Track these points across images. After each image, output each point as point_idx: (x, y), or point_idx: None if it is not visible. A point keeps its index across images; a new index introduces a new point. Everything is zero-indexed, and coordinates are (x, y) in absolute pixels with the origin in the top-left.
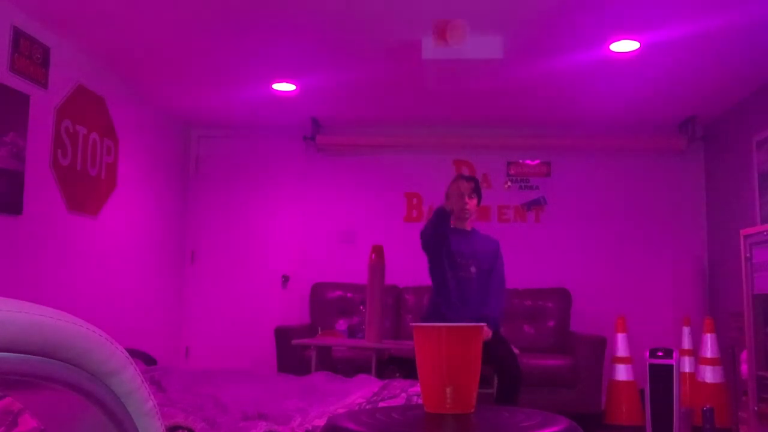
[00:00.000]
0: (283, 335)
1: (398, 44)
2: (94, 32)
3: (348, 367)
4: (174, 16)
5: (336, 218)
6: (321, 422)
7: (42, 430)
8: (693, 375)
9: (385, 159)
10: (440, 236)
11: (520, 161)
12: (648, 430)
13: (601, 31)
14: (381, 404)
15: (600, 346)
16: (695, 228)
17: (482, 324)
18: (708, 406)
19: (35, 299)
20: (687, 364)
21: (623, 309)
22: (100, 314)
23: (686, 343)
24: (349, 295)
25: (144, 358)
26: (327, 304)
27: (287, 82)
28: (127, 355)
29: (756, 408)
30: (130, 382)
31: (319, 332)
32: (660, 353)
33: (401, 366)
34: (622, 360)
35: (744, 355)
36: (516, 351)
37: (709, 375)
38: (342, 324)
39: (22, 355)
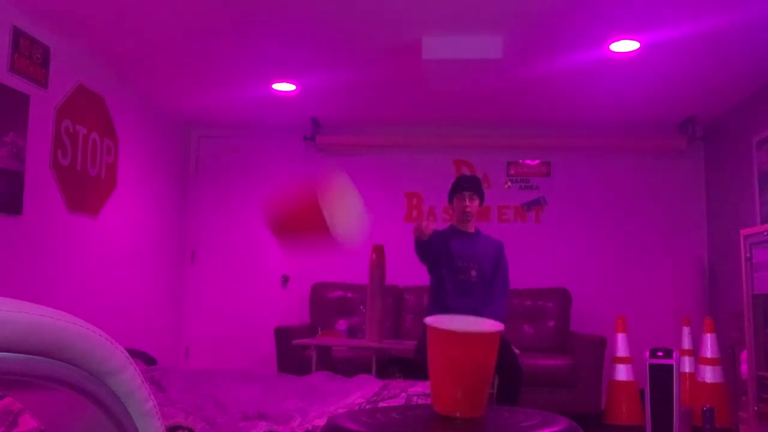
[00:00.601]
0: (283, 335)
1: (398, 44)
2: (94, 32)
3: (348, 367)
4: (174, 16)
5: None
6: (321, 422)
7: (42, 430)
8: (693, 375)
9: (385, 159)
10: (431, 254)
11: (520, 161)
12: (648, 430)
13: (601, 31)
14: (381, 404)
15: (600, 346)
16: (695, 228)
17: (501, 327)
18: (708, 406)
19: (35, 299)
20: (687, 364)
21: (623, 309)
22: (100, 314)
23: (686, 343)
24: (349, 295)
25: (144, 358)
26: (327, 304)
27: (287, 82)
28: (127, 355)
29: (756, 408)
30: (130, 382)
31: (319, 332)
32: (660, 353)
33: (401, 366)
34: (622, 360)
35: (744, 355)
36: (516, 351)
37: (709, 375)
38: (342, 324)
39: (22, 355)
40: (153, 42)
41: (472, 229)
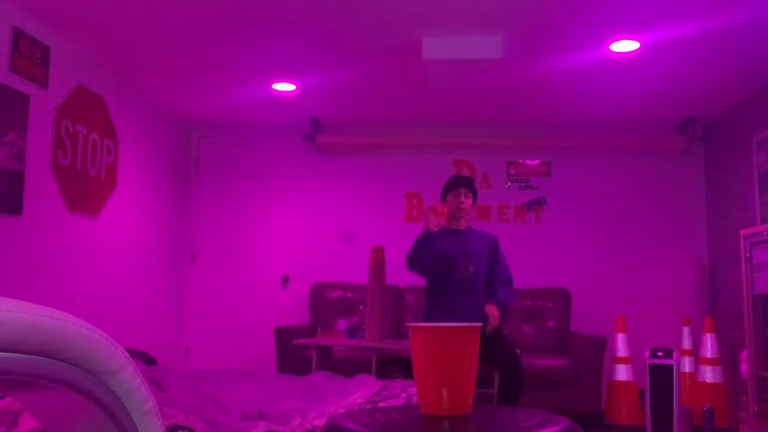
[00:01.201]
0: (283, 335)
1: (398, 44)
2: (94, 32)
3: (348, 367)
4: (174, 16)
5: (336, 218)
6: (321, 422)
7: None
8: (693, 375)
9: (385, 159)
10: (424, 256)
11: (520, 161)
12: (648, 430)
13: (601, 31)
14: (381, 404)
15: (600, 346)
16: (695, 228)
17: (479, 324)
18: (708, 406)
19: (35, 299)
20: (687, 364)
21: (623, 309)
22: (100, 314)
23: (686, 343)
24: (349, 295)
25: (144, 358)
26: (327, 304)
27: (287, 82)
28: (127, 355)
29: (756, 408)
30: (130, 381)
31: (319, 332)
32: (660, 353)
33: (401, 366)
34: (622, 360)
35: (744, 355)
36: (517, 351)
37: (709, 375)
38: (342, 324)
39: (22, 355)
40: (153, 42)
41: (462, 226)
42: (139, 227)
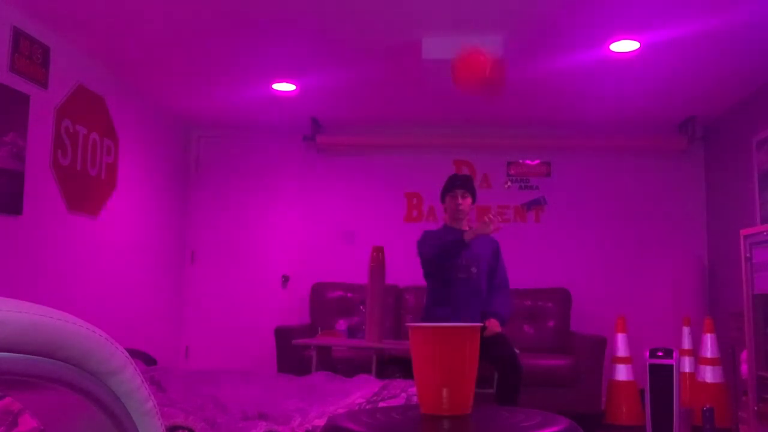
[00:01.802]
0: (283, 335)
1: (398, 44)
2: (94, 32)
3: (348, 367)
4: (174, 16)
5: (336, 218)
6: (321, 422)
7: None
8: (693, 375)
9: (385, 159)
10: (448, 259)
11: (520, 161)
12: (648, 430)
13: (601, 31)
14: (381, 404)
15: (600, 346)
16: (695, 228)
17: (479, 324)
18: (708, 406)
19: (35, 299)
20: (687, 364)
21: (623, 309)
22: (100, 314)
23: (686, 343)
24: (349, 295)
25: (144, 358)
26: (327, 304)
27: (287, 82)
28: (127, 355)
29: (756, 408)
30: (130, 382)
31: (319, 332)
32: (660, 353)
33: (401, 366)
34: (622, 360)
35: (744, 355)
36: (516, 351)
37: (709, 375)
38: (342, 324)
39: (22, 355)
40: (153, 42)
41: (465, 227)
42: (139, 227)
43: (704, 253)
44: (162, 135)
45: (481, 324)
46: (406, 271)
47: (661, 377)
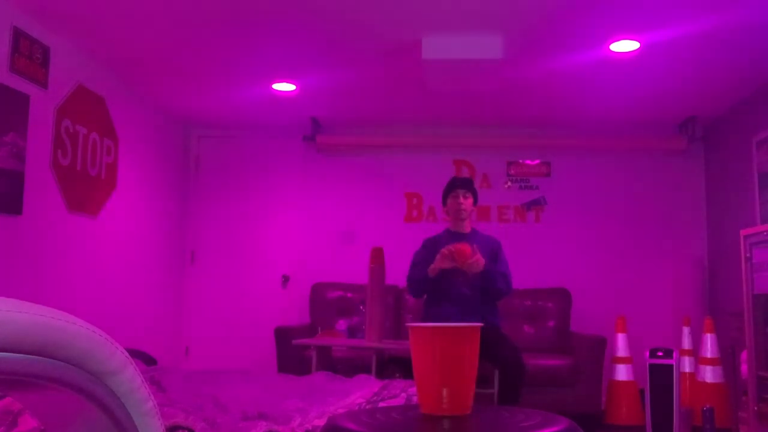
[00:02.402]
0: (283, 335)
1: (398, 44)
2: (94, 32)
3: (348, 367)
4: (174, 16)
5: (336, 218)
6: (321, 422)
7: (42, 430)
8: (693, 375)
9: (385, 159)
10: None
11: (520, 161)
12: (648, 430)
13: (601, 31)
14: (381, 404)
15: (600, 346)
16: (695, 228)
17: (479, 324)
18: (708, 406)
19: (35, 299)
20: (687, 364)
21: (623, 309)
22: (100, 314)
23: (686, 343)
24: (349, 295)
25: (144, 358)
26: (327, 304)
27: (287, 82)
28: (127, 355)
29: (756, 408)
30: (130, 382)
31: (319, 332)
32: (660, 353)
33: (401, 366)
34: (622, 360)
35: (744, 355)
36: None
37: (709, 375)
38: (342, 324)
39: (22, 355)
40: (153, 42)
41: (467, 229)
42: (139, 227)
43: (704, 253)
44: (162, 135)
45: (481, 324)
46: (406, 271)
47: (661, 377)
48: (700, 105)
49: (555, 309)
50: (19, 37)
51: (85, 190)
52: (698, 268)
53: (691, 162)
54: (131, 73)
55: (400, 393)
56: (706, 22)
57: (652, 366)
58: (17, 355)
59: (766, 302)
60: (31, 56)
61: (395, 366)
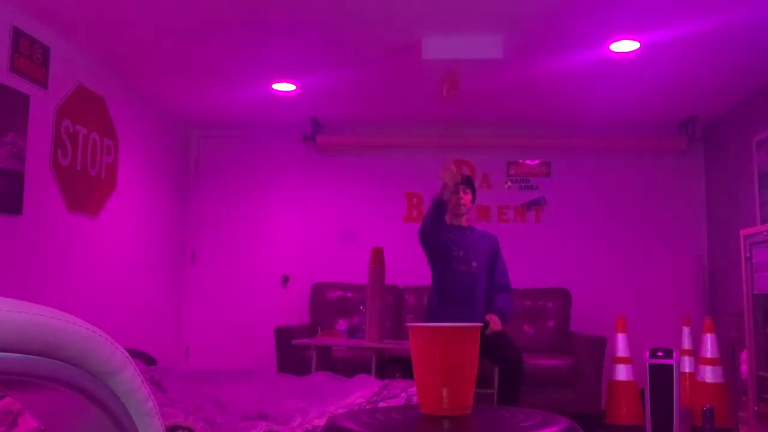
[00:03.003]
0: (283, 335)
1: (398, 44)
2: (94, 32)
3: (348, 367)
4: (174, 16)
5: (336, 218)
6: (321, 422)
7: (42, 430)
8: (693, 375)
9: (385, 159)
10: (440, 225)
11: (520, 161)
12: (648, 430)
13: (601, 31)
14: (381, 404)
15: (600, 346)
16: (695, 228)
17: (479, 324)
18: (708, 406)
19: (35, 299)
20: (687, 364)
21: (623, 309)
22: (100, 314)
23: (686, 343)
24: (349, 295)
25: (144, 358)
26: (327, 304)
27: (287, 82)
28: (127, 355)
29: (756, 408)
30: (130, 382)
31: (319, 332)
32: (660, 353)
33: (401, 366)
34: (622, 360)
35: (744, 355)
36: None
37: (709, 375)
38: (342, 324)
39: (22, 355)
40: (153, 42)
41: (465, 224)
42: (139, 227)
43: (704, 253)
44: (162, 135)
45: (482, 323)
46: (406, 271)
47: (661, 377)
48: (700, 105)
49: (555, 309)
50: (19, 37)
51: (85, 190)
52: (698, 268)
53: (691, 162)
54: (131, 73)
55: (400, 393)
56: (706, 22)
57: (652, 366)
58: (17, 355)
59: (766, 302)
60: (31, 56)
61: (395, 366)
